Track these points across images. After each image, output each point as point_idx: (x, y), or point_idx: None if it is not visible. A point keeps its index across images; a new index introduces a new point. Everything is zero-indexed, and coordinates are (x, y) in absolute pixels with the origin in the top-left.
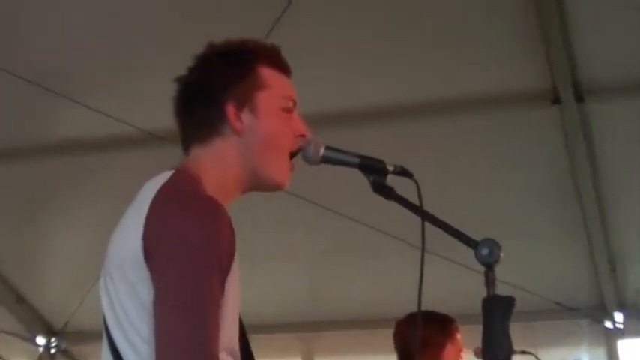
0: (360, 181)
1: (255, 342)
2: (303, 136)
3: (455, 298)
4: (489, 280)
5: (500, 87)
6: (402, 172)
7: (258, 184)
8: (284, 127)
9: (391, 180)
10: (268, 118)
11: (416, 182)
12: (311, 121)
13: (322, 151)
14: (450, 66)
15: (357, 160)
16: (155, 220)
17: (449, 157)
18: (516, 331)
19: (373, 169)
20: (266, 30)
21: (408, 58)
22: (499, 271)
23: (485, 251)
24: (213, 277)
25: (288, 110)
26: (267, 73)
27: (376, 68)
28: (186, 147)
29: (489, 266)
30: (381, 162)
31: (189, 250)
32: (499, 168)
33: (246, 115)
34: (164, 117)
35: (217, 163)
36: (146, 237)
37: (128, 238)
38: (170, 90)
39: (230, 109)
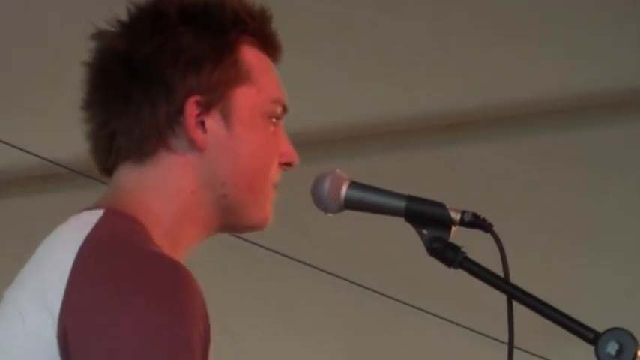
0: (403, 236)
1: None
2: (289, 164)
3: None
4: None
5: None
6: (476, 223)
7: (228, 222)
8: (272, 148)
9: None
10: (248, 129)
11: (497, 238)
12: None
13: (345, 189)
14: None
15: (402, 204)
16: (86, 294)
17: (528, 191)
18: None
19: (428, 219)
20: None
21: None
22: None
23: (612, 348)
24: None
25: (276, 120)
26: (252, 57)
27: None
28: (109, 167)
29: None
30: (441, 206)
31: (158, 349)
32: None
33: (213, 122)
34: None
35: (164, 193)
36: (66, 320)
37: (23, 320)
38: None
39: (191, 109)
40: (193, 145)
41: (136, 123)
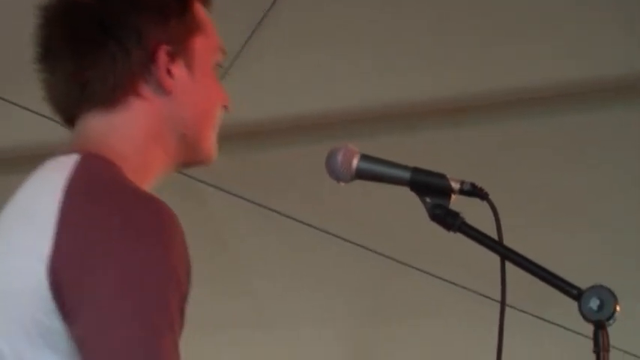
0: (407, 204)
1: None
2: (226, 107)
3: None
4: (601, 346)
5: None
6: (474, 192)
7: (186, 158)
8: (216, 89)
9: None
10: (203, 75)
11: (492, 206)
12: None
13: (356, 161)
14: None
15: (407, 175)
16: (77, 235)
17: (522, 171)
18: None
19: (431, 188)
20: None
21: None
22: (613, 334)
23: (594, 304)
24: (177, 317)
25: (218, 67)
26: (200, 10)
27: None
28: (74, 115)
29: (600, 325)
30: (442, 176)
31: (150, 279)
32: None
33: (179, 68)
34: None
35: (132, 135)
36: (57, 262)
37: (15, 257)
38: None
39: (162, 57)
40: (163, 90)
41: (110, 71)
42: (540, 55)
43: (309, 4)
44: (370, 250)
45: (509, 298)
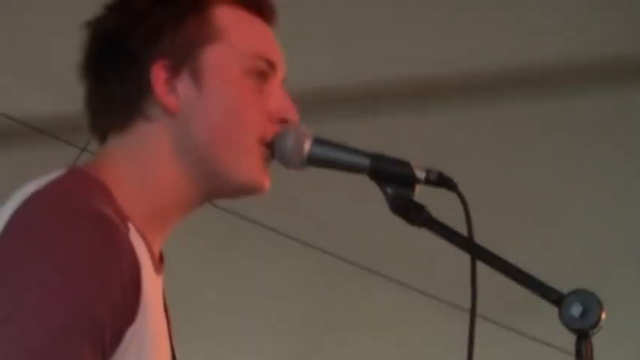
0: (367, 194)
1: None
2: (284, 120)
3: None
4: (585, 356)
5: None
6: (441, 181)
7: (214, 186)
8: (250, 101)
9: (420, 194)
10: (223, 87)
11: (462, 197)
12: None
13: (308, 145)
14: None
15: (367, 162)
16: (4, 242)
17: (505, 161)
18: None
19: (393, 176)
20: None
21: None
22: (597, 345)
23: (576, 310)
24: (81, 347)
25: (260, 76)
26: (226, 15)
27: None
28: (102, 137)
29: (583, 334)
30: (405, 164)
31: (36, 300)
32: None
33: (184, 84)
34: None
35: (137, 160)
36: None
37: None
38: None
39: (158, 74)
40: (165, 111)
41: (109, 100)
42: (515, 32)
43: None
44: (327, 252)
45: (480, 307)
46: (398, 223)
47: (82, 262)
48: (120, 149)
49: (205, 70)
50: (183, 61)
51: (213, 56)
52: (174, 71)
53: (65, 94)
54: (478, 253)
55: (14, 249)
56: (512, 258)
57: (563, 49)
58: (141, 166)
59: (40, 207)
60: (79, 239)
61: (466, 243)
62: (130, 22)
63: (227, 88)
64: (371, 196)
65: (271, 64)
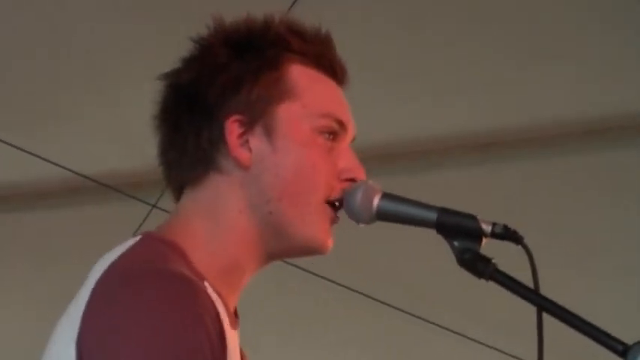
0: (430, 247)
1: None
2: (352, 180)
3: None
4: None
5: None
6: (507, 235)
7: (281, 243)
8: (320, 160)
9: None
10: (294, 144)
11: (528, 250)
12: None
13: (377, 200)
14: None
15: (434, 215)
16: (93, 315)
17: (555, 212)
18: None
19: (460, 230)
20: None
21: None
22: None
23: None
24: None
25: (331, 135)
26: (300, 74)
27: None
28: (178, 191)
29: None
30: (471, 218)
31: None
32: None
33: (257, 139)
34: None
35: (211, 214)
36: (81, 342)
37: (59, 343)
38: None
39: (232, 128)
40: (238, 164)
41: (184, 152)
42: (572, 88)
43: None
44: (386, 304)
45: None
46: (460, 274)
47: (172, 326)
48: (193, 204)
49: (278, 126)
50: (258, 116)
51: (286, 113)
52: (248, 126)
53: (135, 150)
54: (545, 306)
55: (108, 322)
56: (573, 307)
57: (625, 101)
58: (214, 221)
59: (123, 276)
60: (165, 303)
61: (532, 295)
62: (208, 74)
63: (298, 146)
64: (434, 249)
65: (342, 124)
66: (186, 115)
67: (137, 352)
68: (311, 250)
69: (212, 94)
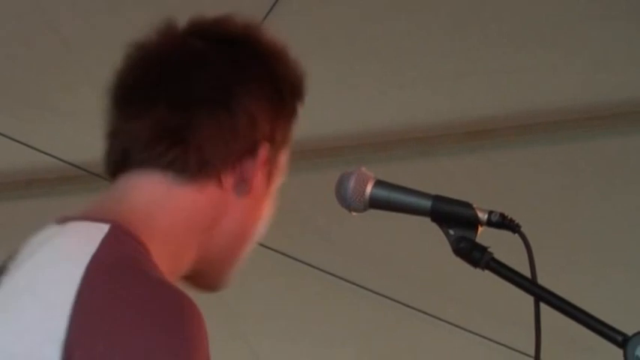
0: (425, 235)
1: None
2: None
3: None
4: None
5: None
6: (503, 223)
7: (198, 278)
8: (262, 220)
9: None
10: (268, 197)
11: (525, 239)
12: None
13: (370, 188)
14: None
15: (428, 203)
16: (95, 321)
17: (566, 200)
18: None
19: (455, 218)
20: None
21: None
22: None
23: None
24: None
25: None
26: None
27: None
28: (125, 164)
29: None
30: (467, 205)
31: None
32: None
33: (262, 174)
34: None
35: (188, 220)
36: (73, 345)
37: (17, 336)
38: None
39: (263, 153)
40: (245, 188)
41: (209, 140)
42: (569, 76)
43: (321, 20)
44: (382, 295)
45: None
46: (457, 264)
47: (192, 341)
48: (173, 199)
49: (275, 173)
50: (275, 154)
51: (281, 163)
52: (268, 161)
53: None
54: (542, 295)
55: (131, 343)
56: (571, 297)
57: (621, 88)
58: (187, 228)
59: (134, 293)
60: (191, 341)
61: (530, 285)
62: (259, 89)
63: (267, 201)
64: (429, 238)
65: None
66: (227, 108)
67: None
68: (207, 290)
69: (255, 106)
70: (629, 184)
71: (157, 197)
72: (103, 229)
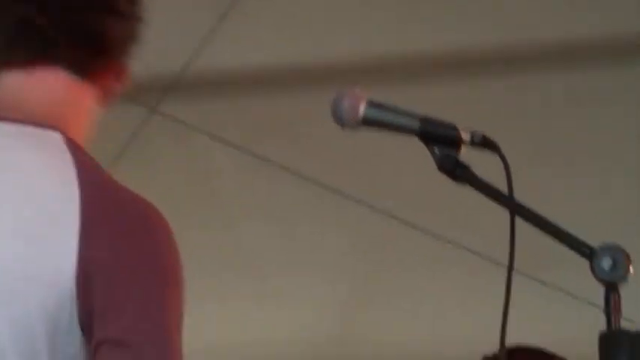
0: (414, 155)
1: None
2: None
3: (554, 335)
4: (613, 307)
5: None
6: (484, 143)
7: None
8: None
9: (465, 156)
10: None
11: (503, 158)
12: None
13: (363, 107)
14: None
15: (416, 123)
16: (114, 234)
17: (551, 128)
18: None
19: (440, 138)
20: None
21: None
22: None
23: (606, 263)
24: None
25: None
26: None
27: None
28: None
29: (612, 286)
30: (452, 127)
31: (175, 288)
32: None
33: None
34: None
35: (79, 112)
36: (87, 259)
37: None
38: None
39: (123, 70)
40: (100, 94)
41: (120, 28)
42: (555, 6)
43: None
44: (371, 206)
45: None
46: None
47: (174, 252)
48: (72, 95)
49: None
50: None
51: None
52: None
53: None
54: (517, 210)
55: (149, 262)
56: (551, 214)
57: (601, 24)
58: (81, 120)
59: (144, 213)
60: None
61: (506, 200)
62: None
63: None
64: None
65: None
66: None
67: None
68: None
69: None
70: (608, 113)
71: (57, 96)
72: (56, 137)
